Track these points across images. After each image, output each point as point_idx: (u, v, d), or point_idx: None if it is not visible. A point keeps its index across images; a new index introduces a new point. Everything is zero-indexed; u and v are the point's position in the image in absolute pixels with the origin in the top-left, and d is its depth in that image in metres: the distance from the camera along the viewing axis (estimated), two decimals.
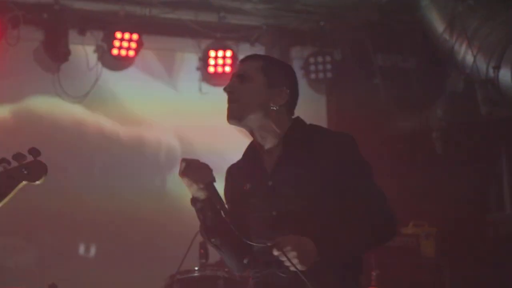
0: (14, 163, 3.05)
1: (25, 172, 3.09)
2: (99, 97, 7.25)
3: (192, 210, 3.00)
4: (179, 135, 7.41)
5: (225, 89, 3.05)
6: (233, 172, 3.20)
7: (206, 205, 2.95)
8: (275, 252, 2.79)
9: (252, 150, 3.14)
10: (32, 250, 6.88)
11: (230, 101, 3.03)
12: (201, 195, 2.93)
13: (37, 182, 3.13)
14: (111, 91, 7.33)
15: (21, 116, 6.98)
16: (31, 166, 3.11)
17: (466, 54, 6.98)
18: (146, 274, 6.70)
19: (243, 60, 3.16)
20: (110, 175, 7.19)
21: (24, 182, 3.10)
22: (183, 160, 2.93)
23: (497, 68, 6.72)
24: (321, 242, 2.82)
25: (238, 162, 3.21)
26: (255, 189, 3.06)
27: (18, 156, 3.06)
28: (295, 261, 2.77)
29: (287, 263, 2.79)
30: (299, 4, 7.36)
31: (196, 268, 5.38)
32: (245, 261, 3.03)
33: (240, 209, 3.04)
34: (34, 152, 3.10)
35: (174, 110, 7.46)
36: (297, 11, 7.47)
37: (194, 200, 2.97)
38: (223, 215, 2.92)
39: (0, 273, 6.61)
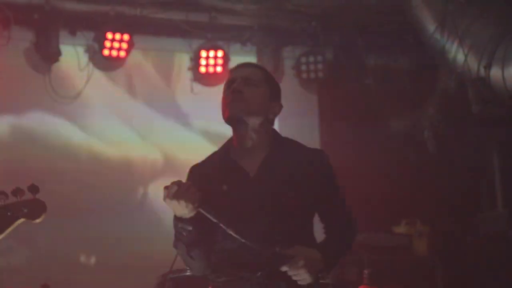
0: (12, 198, 3.07)
1: (25, 210, 3.12)
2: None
3: None
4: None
5: (234, 88, 3.11)
6: (201, 172, 3.21)
7: (193, 222, 2.98)
8: (285, 268, 2.95)
9: (226, 153, 3.19)
10: (25, 251, 6.85)
11: (235, 99, 3.11)
12: (189, 213, 2.96)
13: (37, 221, 3.17)
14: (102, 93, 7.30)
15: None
16: (31, 204, 3.14)
17: (457, 53, 6.97)
18: (138, 273, 6.69)
19: (245, 66, 3.26)
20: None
21: (22, 220, 3.13)
22: (173, 183, 2.94)
23: (488, 66, 6.71)
24: (325, 252, 3.04)
25: (204, 162, 3.25)
26: (234, 190, 3.10)
27: (17, 191, 3.08)
28: (302, 271, 2.95)
29: (296, 277, 2.96)
30: (290, 4, 7.35)
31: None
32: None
33: (216, 208, 3.03)
34: (34, 189, 3.13)
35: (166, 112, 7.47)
36: (289, 11, 7.46)
37: (180, 220, 2.99)
38: (222, 225, 2.96)
39: None
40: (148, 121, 7.40)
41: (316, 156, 3.22)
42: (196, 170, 3.24)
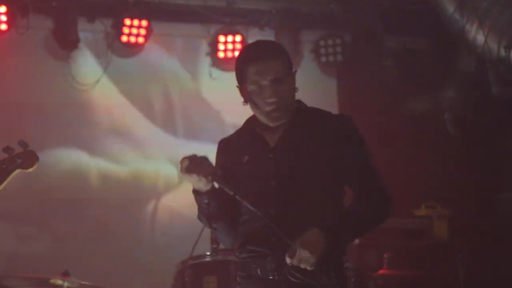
0: (4, 155, 3.34)
1: (19, 161, 3.38)
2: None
3: None
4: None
5: (271, 100, 3.04)
6: (227, 145, 3.24)
7: (211, 195, 3.02)
8: (288, 260, 2.91)
9: (251, 126, 3.19)
10: (46, 238, 6.91)
11: (276, 110, 3.05)
12: (205, 187, 2.99)
13: (30, 170, 3.41)
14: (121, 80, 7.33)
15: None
16: (24, 155, 3.40)
17: (477, 34, 6.94)
18: (159, 260, 6.77)
19: (266, 59, 3.08)
20: None
21: (18, 170, 3.39)
22: (184, 158, 2.98)
23: (508, 47, 6.69)
24: (330, 229, 2.94)
25: (231, 136, 3.27)
26: (254, 161, 3.12)
27: (7, 149, 3.35)
28: (303, 256, 2.88)
29: (302, 266, 2.91)
30: None
31: (208, 253, 5.39)
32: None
33: (235, 179, 3.08)
34: (23, 144, 3.38)
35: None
36: None
37: (197, 193, 3.04)
38: (238, 198, 2.98)
39: (14, 260, 6.67)
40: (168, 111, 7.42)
41: (340, 122, 3.12)
42: (222, 144, 3.26)
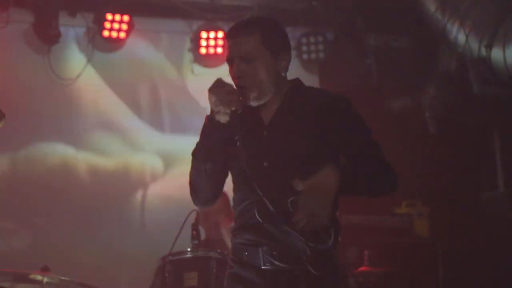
0: None
1: None
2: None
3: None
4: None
5: (234, 76, 2.99)
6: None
7: (221, 130, 2.95)
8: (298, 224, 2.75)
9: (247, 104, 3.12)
10: (26, 233, 6.86)
11: (240, 86, 2.97)
12: (223, 119, 2.92)
13: None
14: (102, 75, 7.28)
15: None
16: None
17: (458, 33, 6.95)
18: (138, 256, 6.74)
19: (237, 35, 3.03)
20: None
21: None
22: (219, 79, 2.92)
23: (489, 47, 6.69)
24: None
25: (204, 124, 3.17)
26: (248, 138, 3.05)
27: None
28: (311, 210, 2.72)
29: (312, 222, 2.76)
30: None
31: (189, 249, 5.33)
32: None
33: (229, 156, 3.04)
34: None
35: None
36: None
37: (211, 119, 2.95)
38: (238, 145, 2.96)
39: None
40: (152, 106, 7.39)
41: (336, 102, 3.06)
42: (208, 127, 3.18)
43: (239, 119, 2.99)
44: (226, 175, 3.12)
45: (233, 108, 2.90)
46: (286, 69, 3.08)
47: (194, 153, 3.05)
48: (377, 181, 2.99)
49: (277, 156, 2.98)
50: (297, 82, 3.16)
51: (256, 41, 2.99)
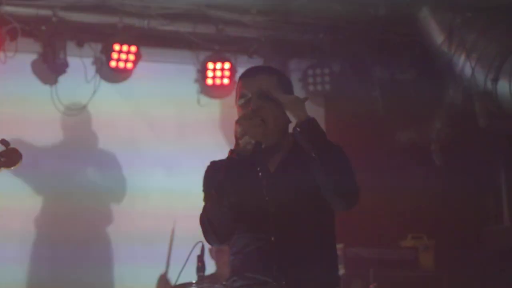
0: None
1: (2, 159, 3.40)
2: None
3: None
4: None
5: (252, 108, 3.06)
6: (220, 167, 3.14)
7: (244, 160, 3.01)
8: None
9: None
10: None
11: (256, 124, 3.03)
12: (246, 149, 2.99)
13: (12, 168, 3.44)
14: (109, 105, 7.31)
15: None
16: (7, 153, 3.42)
17: (464, 66, 6.97)
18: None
19: (256, 74, 3.16)
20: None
21: (1, 169, 3.42)
22: (248, 111, 3.04)
23: (495, 80, 6.71)
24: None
25: (229, 157, 3.15)
26: (253, 185, 3.09)
27: None
28: None
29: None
30: (297, 16, 7.34)
31: (194, 282, 5.28)
32: None
33: (237, 199, 3.06)
34: (5, 142, 3.41)
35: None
36: (296, 23, 7.43)
37: (236, 152, 3.02)
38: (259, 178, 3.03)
39: None
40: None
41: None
42: (216, 165, 3.22)
43: (242, 166, 3.04)
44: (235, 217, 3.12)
45: (257, 139, 2.99)
46: (291, 120, 3.14)
47: (216, 186, 3.04)
48: (344, 176, 2.99)
49: (283, 202, 3.05)
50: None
51: (274, 81, 3.14)
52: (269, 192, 3.06)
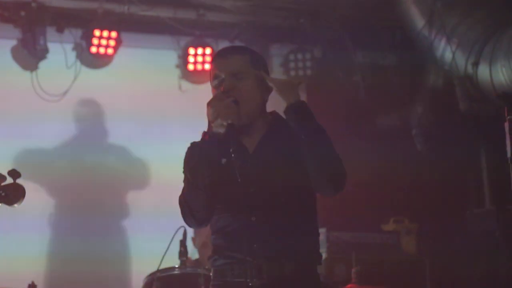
0: None
1: (3, 194, 3.10)
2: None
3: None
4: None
5: (223, 90, 3.05)
6: (200, 146, 3.13)
7: (217, 142, 3.00)
8: None
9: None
10: (12, 249, 6.81)
11: (228, 105, 3.01)
12: (218, 130, 2.98)
13: (15, 205, 3.13)
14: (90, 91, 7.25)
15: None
16: (9, 189, 3.12)
17: (445, 51, 6.98)
18: (126, 273, 6.69)
19: (227, 54, 3.17)
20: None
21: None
22: (219, 93, 3.03)
23: (476, 64, 6.73)
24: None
25: (202, 139, 3.13)
26: (232, 165, 3.04)
27: None
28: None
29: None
30: (278, 1, 7.33)
31: (177, 266, 5.31)
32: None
33: (212, 181, 3.05)
34: (14, 174, 3.11)
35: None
36: (277, 8, 7.44)
37: (208, 132, 3.01)
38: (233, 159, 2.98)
39: None
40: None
41: None
42: (195, 146, 3.16)
43: (221, 146, 3.04)
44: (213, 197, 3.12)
45: (229, 121, 2.97)
46: (268, 95, 3.16)
47: (190, 169, 3.04)
48: (333, 160, 3.02)
49: (264, 182, 3.05)
50: (276, 114, 3.24)
51: (246, 61, 3.13)
52: (248, 173, 3.02)
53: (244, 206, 3.00)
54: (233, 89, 3.06)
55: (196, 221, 3.11)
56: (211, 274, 3.18)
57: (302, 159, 3.03)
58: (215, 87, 3.12)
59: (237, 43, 7.57)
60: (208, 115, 2.99)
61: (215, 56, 3.22)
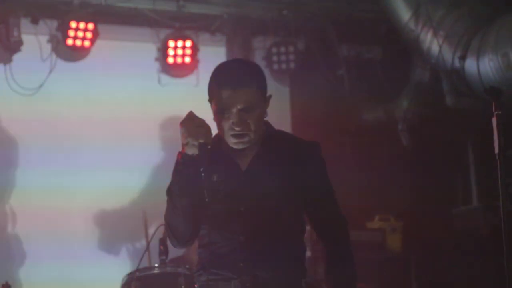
0: None
1: None
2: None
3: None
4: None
5: (237, 129, 3.01)
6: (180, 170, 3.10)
7: (192, 163, 2.96)
8: None
9: (218, 143, 3.10)
10: None
11: (240, 137, 3.02)
12: (191, 151, 2.94)
13: None
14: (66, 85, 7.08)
15: None
16: None
17: (431, 44, 6.92)
18: (104, 272, 6.56)
19: (236, 87, 3.03)
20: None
21: None
22: (190, 112, 2.96)
23: (463, 58, 6.67)
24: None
25: (177, 161, 3.12)
26: (224, 182, 3.07)
27: None
28: None
29: None
30: None
31: (156, 265, 5.25)
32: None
33: (200, 199, 3.01)
34: None
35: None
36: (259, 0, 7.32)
37: (182, 154, 2.98)
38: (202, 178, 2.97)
39: None
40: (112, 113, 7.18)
41: (308, 149, 3.14)
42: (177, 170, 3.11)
43: (213, 163, 3.02)
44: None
45: (201, 141, 2.92)
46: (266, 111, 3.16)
47: (169, 191, 3.04)
48: (347, 249, 3.24)
49: (254, 201, 3.04)
50: (269, 125, 3.20)
51: (254, 91, 3.05)
52: (238, 192, 3.05)
53: (234, 225, 3.02)
54: (244, 123, 3.02)
55: (179, 243, 3.13)
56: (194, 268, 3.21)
57: (294, 184, 3.07)
58: (221, 117, 3.05)
59: (218, 35, 7.46)
60: (180, 136, 2.96)
61: (221, 83, 3.06)
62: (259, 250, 3.01)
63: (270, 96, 3.12)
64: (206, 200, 2.96)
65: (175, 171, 3.01)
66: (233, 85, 3.03)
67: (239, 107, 3.00)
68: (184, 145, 2.95)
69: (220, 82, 3.06)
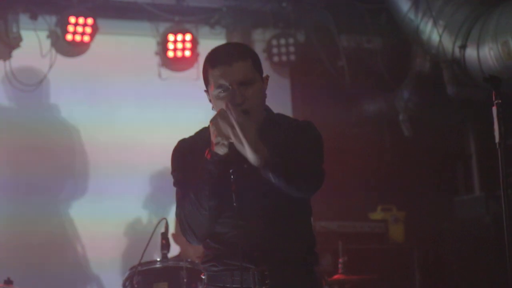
0: None
1: None
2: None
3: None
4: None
5: (237, 101, 2.95)
6: (190, 147, 3.11)
7: (221, 163, 2.92)
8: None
9: None
10: None
11: (245, 111, 2.95)
12: (221, 150, 2.91)
13: None
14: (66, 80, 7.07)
15: None
16: None
17: (431, 34, 6.89)
18: (107, 266, 6.62)
19: (231, 62, 3.00)
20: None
21: None
22: (221, 110, 2.92)
23: (463, 47, 6.64)
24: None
25: (193, 138, 3.15)
26: (227, 187, 2.97)
27: None
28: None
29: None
30: None
31: (158, 259, 5.21)
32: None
33: (212, 204, 2.98)
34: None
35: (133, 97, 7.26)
36: None
37: (211, 153, 2.93)
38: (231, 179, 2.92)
39: None
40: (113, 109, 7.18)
41: (303, 127, 3.09)
42: (184, 144, 3.13)
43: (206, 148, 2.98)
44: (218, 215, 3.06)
45: (231, 140, 2.87)
46: (265, 90, 3.12)
47: (196, 191, 2.97)
48: (305, 178, 2.99)
49: (262, 189, 2.99)
50: (268, 110, 3.18)
51: (250, 65, 3.03)
52: (247, 178, 2.96)
53: (243, 212, 2.96)
54: (246, 99, 2.98)
55: (198, 238, 3.07)
56: (203, 277, 3.13)
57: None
58: (220, 98, 3.01)
59: (218, 28, 7.45)
60: (211, 133, 2.92)
61: (215, 62, 3.04)
62: (271, 238, 2.98)
63: (268, 76, 3.09)
64: (234, 204, 2.91)
65: (203, 170, 2.95)
66: (228, 61, 3.00)
67: (237, 80, 2.97)
68: (215, 144, 2.91)
69: (214, 62, 3.04)
